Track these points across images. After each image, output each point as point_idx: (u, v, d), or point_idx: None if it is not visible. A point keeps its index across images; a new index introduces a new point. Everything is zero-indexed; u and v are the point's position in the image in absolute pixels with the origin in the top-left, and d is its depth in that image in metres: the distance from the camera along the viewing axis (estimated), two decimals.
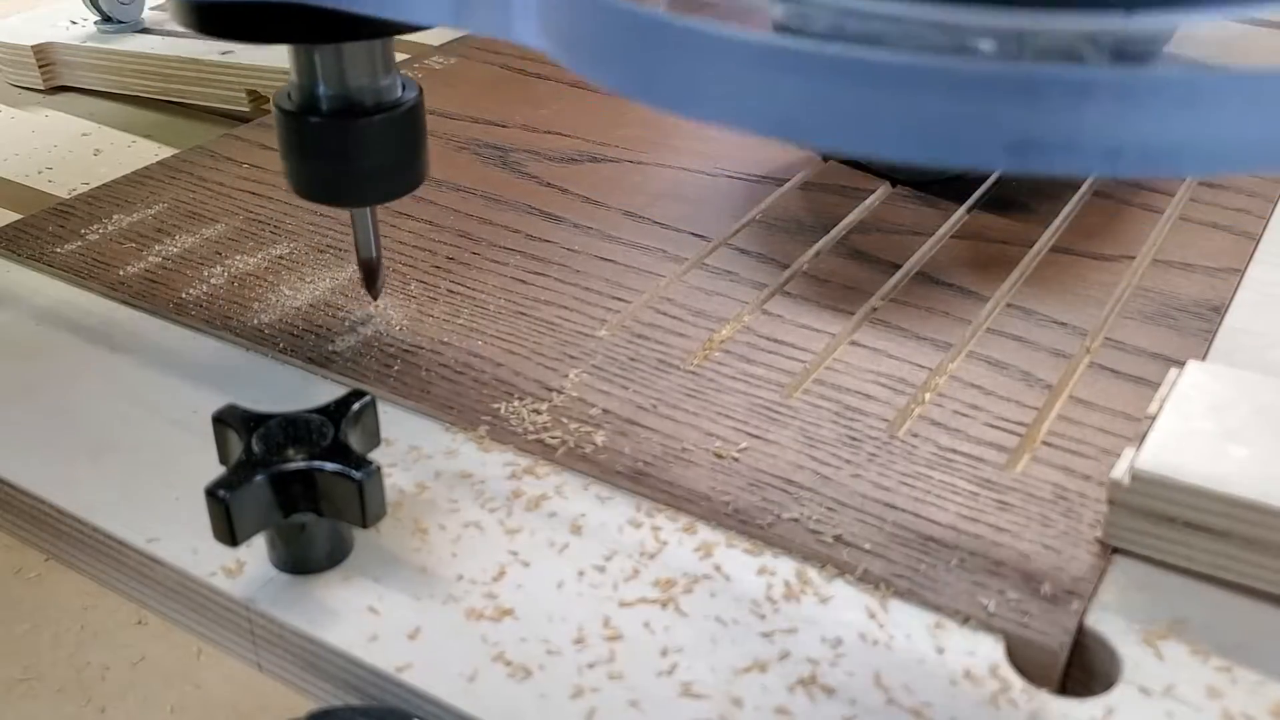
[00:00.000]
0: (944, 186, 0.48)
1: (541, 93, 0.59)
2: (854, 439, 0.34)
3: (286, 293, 0.41)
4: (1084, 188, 0.48)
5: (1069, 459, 0.33)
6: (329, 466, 0.27)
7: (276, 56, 0.59)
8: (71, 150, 0.57)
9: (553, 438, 0.34)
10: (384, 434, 0.32)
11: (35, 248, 0.44)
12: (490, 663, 0.27)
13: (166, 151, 0.55)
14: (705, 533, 0.31)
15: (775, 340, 0.38)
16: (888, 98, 0.20)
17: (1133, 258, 0.43)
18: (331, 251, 0.44)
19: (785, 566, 0.30)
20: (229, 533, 0.27)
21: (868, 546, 0.30)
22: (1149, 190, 0.48)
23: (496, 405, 0.35)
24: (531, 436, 0.34)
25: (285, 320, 0.40)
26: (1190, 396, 0.31)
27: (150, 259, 0.43)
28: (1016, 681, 0.26)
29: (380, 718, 0.26)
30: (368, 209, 0.38)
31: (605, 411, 0.35)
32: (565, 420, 0.35)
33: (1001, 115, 0.19)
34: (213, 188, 0.49)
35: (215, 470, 0.28)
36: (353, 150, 0.34)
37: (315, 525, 0.29)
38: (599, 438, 0.34)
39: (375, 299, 0.40)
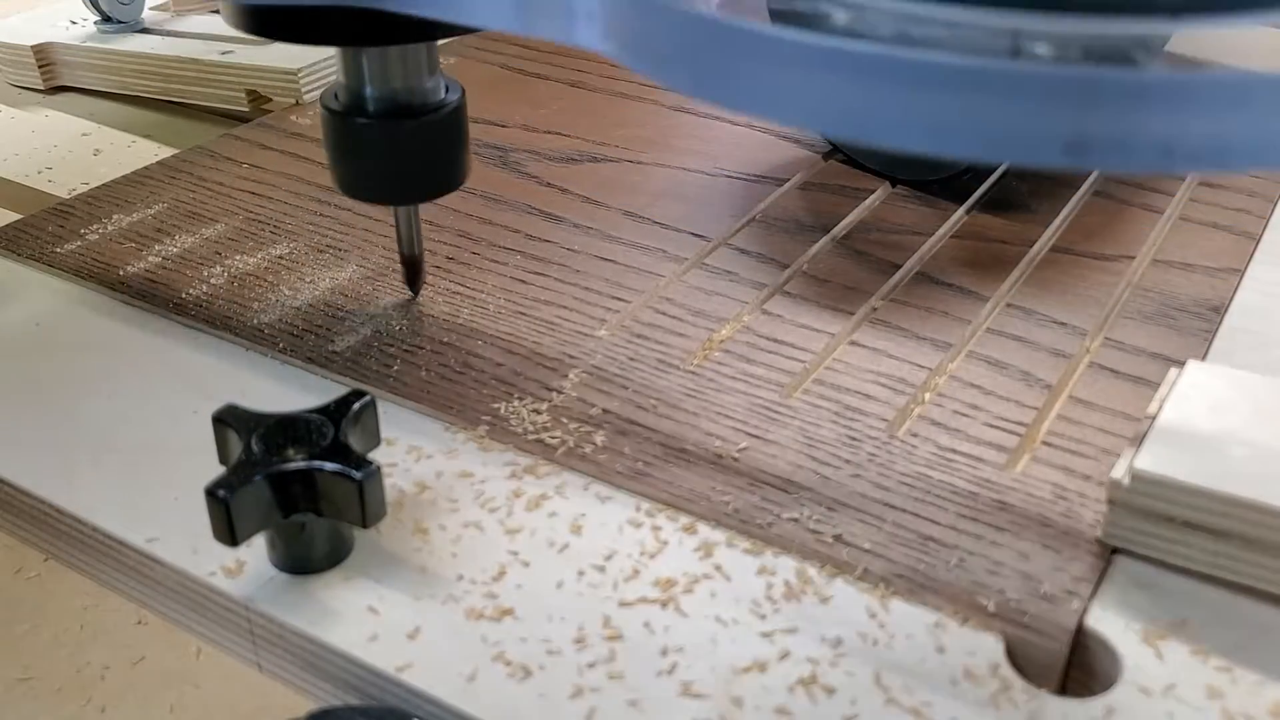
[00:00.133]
0: (944, 186, 0.48)
1: (541, 93, 0.59)
2: (854, 439, 0.34)
3: (286, 293, 0.41)
4: (1084, 188, 0.48)
5: (1069, 459, 0.33)
6: (329, 466, 0.27)
7: (277, 57, 0.59)
8: (71, 150, 0.57)
9: (553, 438, 0.34)
10: (384, 434, 0.32)
11: (35, 248, 0.44)
12: (490, 662, 0.27)
13: (166, 151, 0.55)
14: (705, 532, 0.31)
15: (775, 340, 0.38)
16: (952, 99, 0.20)
17: (1133, 258, 0.43)
18: (331, 251, 0.44)
19: (785, 566, 0.30)
20: (229, 533, 0.27)
21: (867, 546, 0.30)
22: (1149, 190, 0.48)
23: (496, 405, 0.35)
24: (531, 436, 0.34)
25: (285, 320, 0.40)
26: (1190, 396, 0.31)
27: (150, 259, 0.43)
28: (1017, 681, 0.26)
29: (380, 718, 0.26)
30: (412, 207, 0.38)
31: (605, 411, 0.35)
32: (565, 420, 0.35)
33: (1061, 116, 0.20)
34: (213, 188, 0.49)
35: (215, 470, 0.28)
36: (400, 151, 0.35)
37: (315, 525, 0.29)
38: (599, 438, 0.34)
39: (416, 295, 0.40)
